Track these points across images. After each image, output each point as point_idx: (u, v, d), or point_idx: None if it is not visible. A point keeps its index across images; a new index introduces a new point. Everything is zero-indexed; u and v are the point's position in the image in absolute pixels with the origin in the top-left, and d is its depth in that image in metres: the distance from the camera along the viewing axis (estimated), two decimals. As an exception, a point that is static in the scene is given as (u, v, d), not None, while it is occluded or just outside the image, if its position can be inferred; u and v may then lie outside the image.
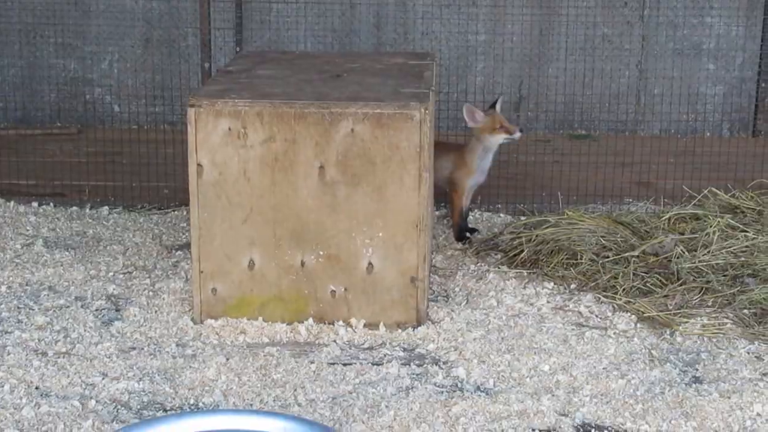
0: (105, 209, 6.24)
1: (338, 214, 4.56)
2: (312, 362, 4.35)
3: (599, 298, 4.98)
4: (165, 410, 3.96)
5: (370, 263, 4.60)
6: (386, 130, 4.49)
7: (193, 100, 4.55)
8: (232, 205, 4.57)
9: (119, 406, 3.98)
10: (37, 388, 4.12)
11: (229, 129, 4.51)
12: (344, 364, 4.34)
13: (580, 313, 4.88)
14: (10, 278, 5.17)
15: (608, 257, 5.26)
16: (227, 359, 4.34)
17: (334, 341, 4.54)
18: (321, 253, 4.60)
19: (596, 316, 4.86)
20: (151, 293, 5.02)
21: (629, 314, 4.83)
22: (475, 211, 6.22)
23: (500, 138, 5.57)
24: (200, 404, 4.00)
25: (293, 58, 5.78)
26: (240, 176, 4.54)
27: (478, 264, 5.46)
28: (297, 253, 4.60)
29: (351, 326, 4.65)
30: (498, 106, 5.59)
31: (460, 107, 5.65)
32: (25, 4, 7.98)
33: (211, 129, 4.51)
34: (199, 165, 4.54)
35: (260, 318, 4.67)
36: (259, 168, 4.54)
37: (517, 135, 5.56)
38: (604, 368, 4.34)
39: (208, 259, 4.64)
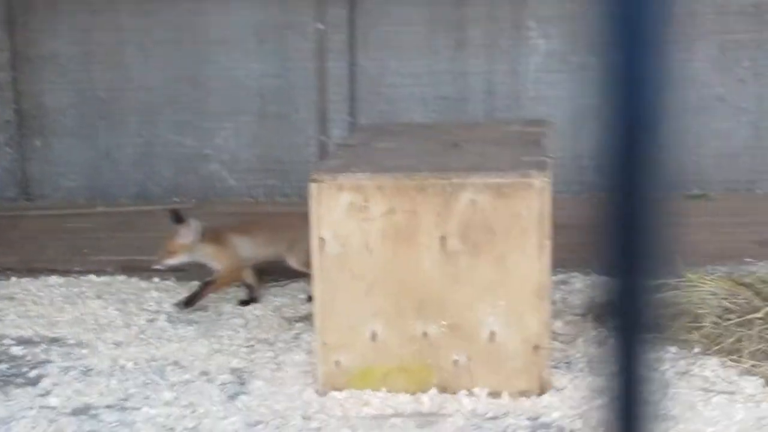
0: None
1: (460, 284, 4.57)
2: (438, 433, 4.35)
3: (724, 362, 4.91)
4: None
5: (492, 332, 4.59)
6: (507, 199, 4.51)
7: (315, 176, 4.61)
8: (354, 277, 4.60)
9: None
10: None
11: (351, 203, 4.56)
12: (471, 435, 4.34)
13: (705, 378, 4.81)
14: (136, 354, 5.26)
15: (731, 319, 5.19)
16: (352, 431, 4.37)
17: (458, 411, 4.53)
18: (443, 322, 4.61)
19: (722, 380, 4.79)
20: (274, 366, 5.07)
21: (757, 378, 4.75)
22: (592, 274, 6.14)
23: None
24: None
25: (409, 129, 5.83)
26: (362, 249, 4.58)
27: (599, 329, 5.40)
28: (419, 322, 4.62)
29: (474, 395, 4.64)
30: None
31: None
32: (143, 84, 8.17)
33: (333, 203, 4.57)
34: (321, 239, 4.59)
35: (384, 389, 4.68)
36: (381, 240, 4.58)
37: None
38: (734, 435, 4.28)
39: (331, 331, 4.68)
